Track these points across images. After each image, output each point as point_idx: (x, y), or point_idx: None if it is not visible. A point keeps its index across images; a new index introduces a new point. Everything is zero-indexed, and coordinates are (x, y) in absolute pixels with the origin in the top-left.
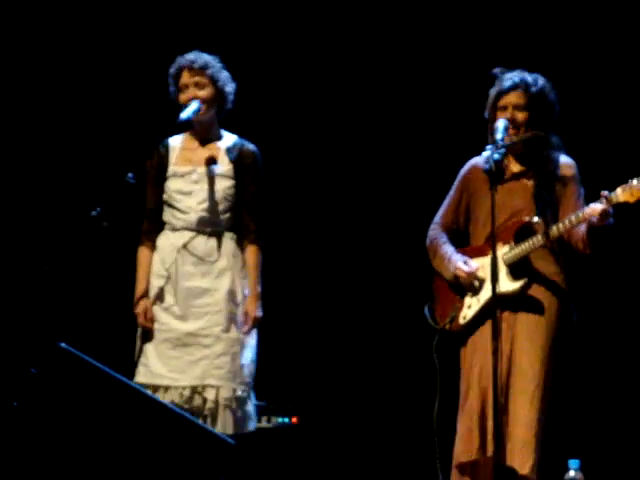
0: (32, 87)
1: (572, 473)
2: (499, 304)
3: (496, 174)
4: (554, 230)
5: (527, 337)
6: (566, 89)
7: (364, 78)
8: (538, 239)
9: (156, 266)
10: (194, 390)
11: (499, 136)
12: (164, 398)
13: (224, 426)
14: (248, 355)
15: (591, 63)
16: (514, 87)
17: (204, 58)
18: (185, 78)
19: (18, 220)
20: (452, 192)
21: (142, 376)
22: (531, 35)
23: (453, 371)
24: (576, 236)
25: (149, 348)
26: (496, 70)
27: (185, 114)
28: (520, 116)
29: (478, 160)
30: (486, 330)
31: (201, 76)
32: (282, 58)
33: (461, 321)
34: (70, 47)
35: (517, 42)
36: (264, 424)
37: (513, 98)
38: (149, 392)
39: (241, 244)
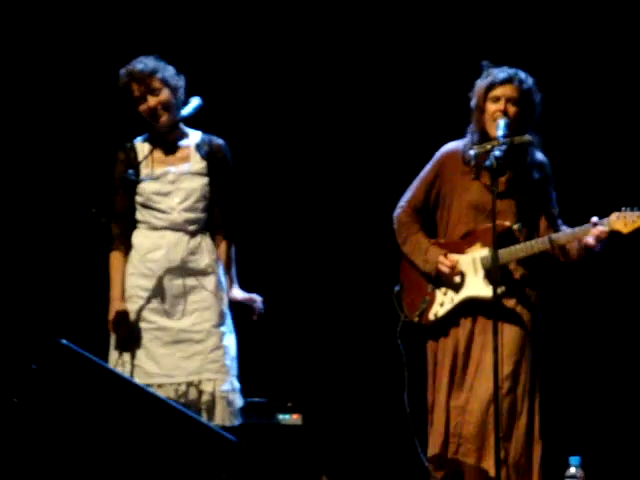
0: (32, 85)
1: (573, 470)
2: (473, 307)
3: (497, 171)
4: (561, 238)
5: (502, 345)
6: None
7: (338, 69)
8: (542, 243)
9: (137, 265)
10: (189, 384)
11: (500, 133)
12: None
13: (222, 418)
14: (234, 349)
15: (580, 68)
16: (509, 80)
17: (149, 64)
18: (137, 90)
19: (18, 217)
20: (424, 174)
21: (136, 377)
22: (515, 32)
23: (421, 358)
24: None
25: (137, 349)
26: (484, 63)
27: (186, 111)
28: (512, 110)
29: (456, 146)
30: (457, 330)
31: (152, 82)
32: (255, 50)
33: (431, 317)
34: (70, 45)
35: (501, 36)
36: (265, 421)
37: (508, 90)
38: (152, 390)
39: (216, 239)
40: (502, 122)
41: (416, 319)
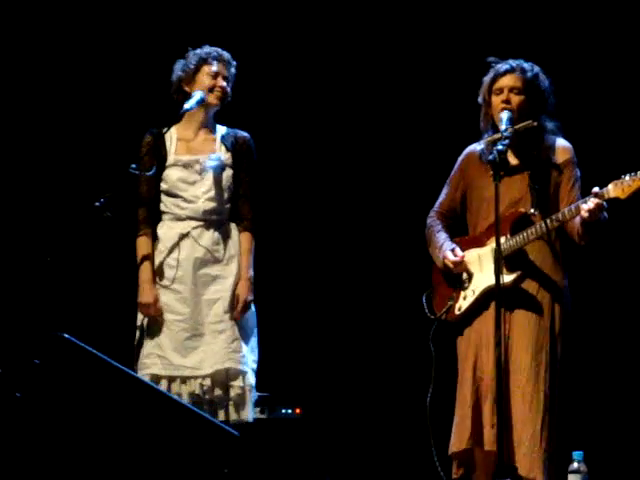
0: (34, 79)
1: (576, 464)
2: (495, 297)
3: (500, 165)
4: (547, 224)
5: (522, 333)
6: (562, 82)
7: (357, 66)
8: (532, 232)
9: (162, 256)
10: (214, 379)
11: (503, 127)
12: (183, 389)
13: (248, 412)
14: (253, 341)
15: (588, 57)
16: (511, 70)
17: (232, 60)
18: (217, 67)
19: (21, 211)
20: (449, 179)
21: (160, 368)
22: (524, 27)
23: (450, 360)
24: (571, 227)
25: (163, 339)
26: (490, 59)
27: (189, 104)
28: (516, 99)
29: (475, 147)
30: (481, 322)
31: (228, 71)
32: (275, 48)
33: (456, 312)
34: (70, 41)
35: (509, 33)
36: (267, 415)
37: (509, 81)
38: (154, 384)
39: (238, 231)
40: (505, 116)
41: (443, 316)
